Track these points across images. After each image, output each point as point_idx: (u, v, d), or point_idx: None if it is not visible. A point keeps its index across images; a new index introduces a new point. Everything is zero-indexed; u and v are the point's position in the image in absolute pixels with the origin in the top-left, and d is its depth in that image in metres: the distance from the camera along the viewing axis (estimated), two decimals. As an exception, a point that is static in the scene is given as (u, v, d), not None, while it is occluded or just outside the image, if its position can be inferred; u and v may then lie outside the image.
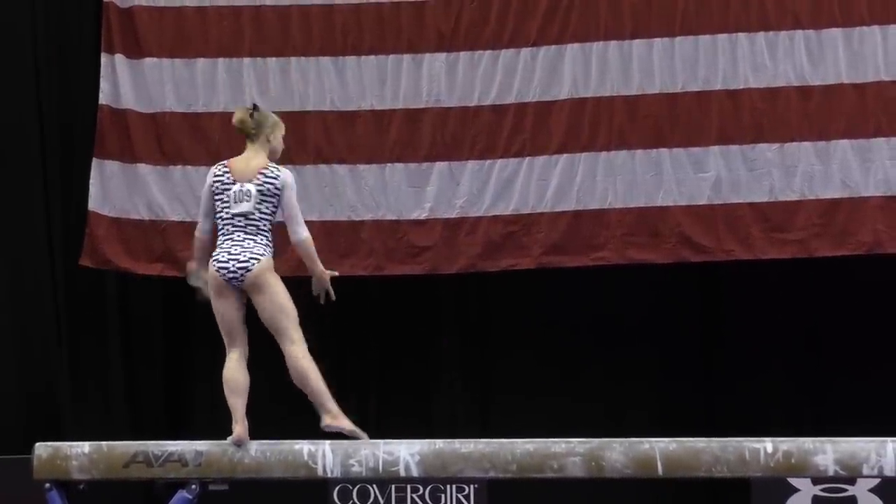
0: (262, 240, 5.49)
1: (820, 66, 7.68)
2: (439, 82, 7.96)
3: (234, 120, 5.64)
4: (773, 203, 7.68)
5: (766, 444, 4.72)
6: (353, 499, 7.74)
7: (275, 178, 5.50)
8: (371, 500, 7.73)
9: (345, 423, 5.41)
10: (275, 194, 5.49)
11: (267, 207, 5.49)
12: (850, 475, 4.76)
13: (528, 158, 7.88)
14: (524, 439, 5.09)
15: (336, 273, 5.67)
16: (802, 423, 7.80)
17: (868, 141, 7.63)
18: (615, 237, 7.76)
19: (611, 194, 7.80)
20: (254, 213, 5.47)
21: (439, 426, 8.13)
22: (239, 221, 5.47)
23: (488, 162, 7.92)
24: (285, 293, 5.50)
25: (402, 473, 5.14)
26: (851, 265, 7.71)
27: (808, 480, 7.30)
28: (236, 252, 5.44)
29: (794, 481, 7.36)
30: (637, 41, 7.82)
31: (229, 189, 5.48)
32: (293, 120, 8.00)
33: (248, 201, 5.45)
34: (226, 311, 5.46)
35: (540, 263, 7.83)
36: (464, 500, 7.70)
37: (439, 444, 5.16)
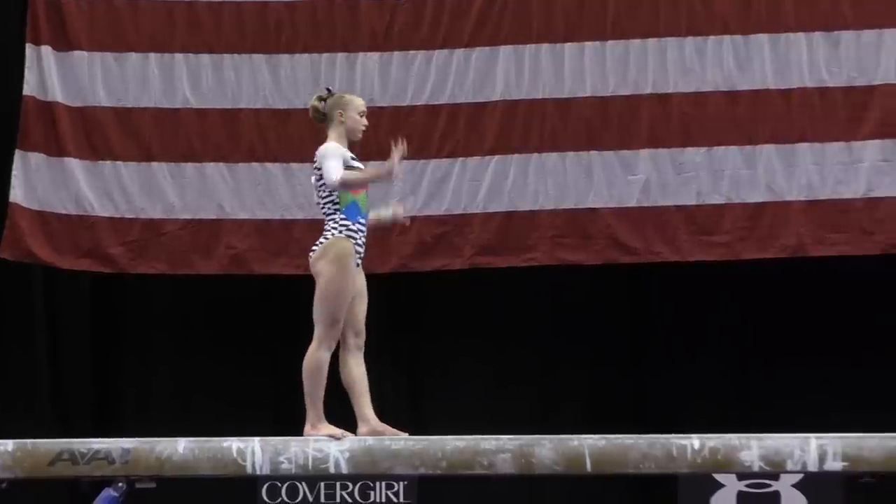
0: (329, 226, 5.44)
1: (747, 71, 7.83)
2: (372, 82, 7.99)
3: (309, 109, 5.59)
4: (700, 206, 7.81)
5: (693, 441, 4.80)
6: (281, 496, 7.73)
7: (315, 162, 5.46)
8: (300, 497, 7.73)
9: (324, 431, 5.32)
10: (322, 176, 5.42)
11: (323, 192, 5.44)
12: (775, 471, 4.86)
13: (460, 159, 7.94)
14: (454, 436, 5.12)
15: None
16: (729, 419, 7.92)
17: (792, 146, 7.79)
18: (546, 238, 7.85)
19: (542, 196, 7.88)
20: (317, 203, 5.48)
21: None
22: (320, 209, 5.49)
23: (421, 162, 7.95)
24: (328, 289, 5.35)
25: (332, 471, 5.15)
26: (777, 265, 7.85)
27: (734, 476, 7.43)
28: (317, 242, 5.45)
29: (719, 477, 7.49)
30: (569, 44, 7.91)
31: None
32: (226, 118, 8.03)
33: (315, 191, 5.48)
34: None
35: (472, 264, 7.89)
36: (393, 498, 7.73)
37: (369, 441, 5.19)
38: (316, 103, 5.57)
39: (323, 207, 5.46)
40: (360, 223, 5.48)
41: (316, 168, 5.49)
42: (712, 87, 7.84)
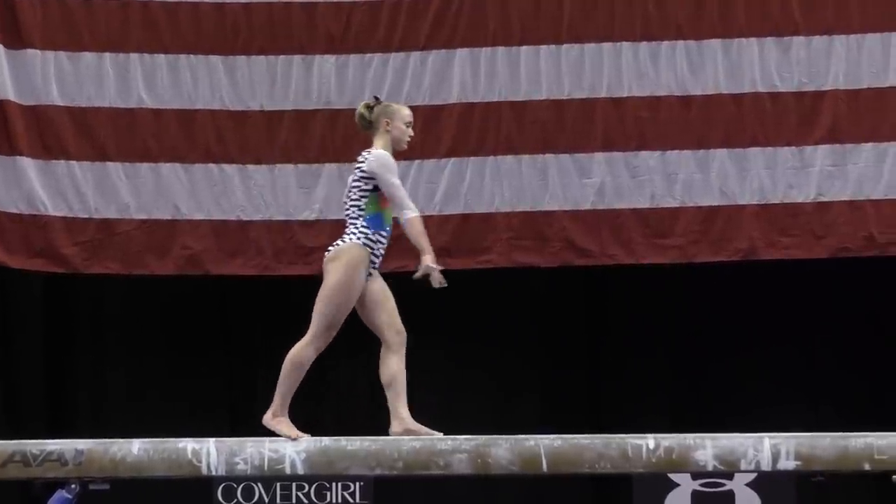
0: (350, 230, 5.39)
1: (700, 75, 7.91)
2: (329, 84, 7.99)
3: (355, 115, 5.55)
4: (654, 209, 7.88)
5: (648, 441, 4.84)
6: (237, 497, 7.72)
7: (362, 163, 5.38)
8: (256, 498, 7.72)
9: (279, 427, 5.30)
10: (362, 178, 5.35)
11: (354, 194, 5.37)
12: (729, 470, 4.91)
13: (417, 162, 7.96)
14: (411, 437, 5.13)
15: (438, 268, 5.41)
16: (684, 418, 8.00)
17: (744, 150, 7.88)
18: (502, 240, 7.89)
19: (498, 198, 7.92)
20: (345, 202, 5.43)
21: (327, 424, 8.13)
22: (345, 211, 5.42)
23: (377, 164, 7.96)
24: (333, 291, 5.33)
25: (288, 471, 5.14)
26: (730, 266, 7.94)
27: (688, 476, 7.50)
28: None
29: (674, 476, 7.56)
30: (524, 47, 7.96)
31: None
32: (182, 118, 8.00)
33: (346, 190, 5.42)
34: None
35: (428, 265, 7.91)
36: (349, 498, 7.74)
37: (325, 441, 5.18)
38: (363, 111, 5.52)
39: (348, 209, 5.42)
40: (381, 235, 5.43)
41: (361, 171, 5.39)
42: (666, 92, 7.91)
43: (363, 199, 5.38)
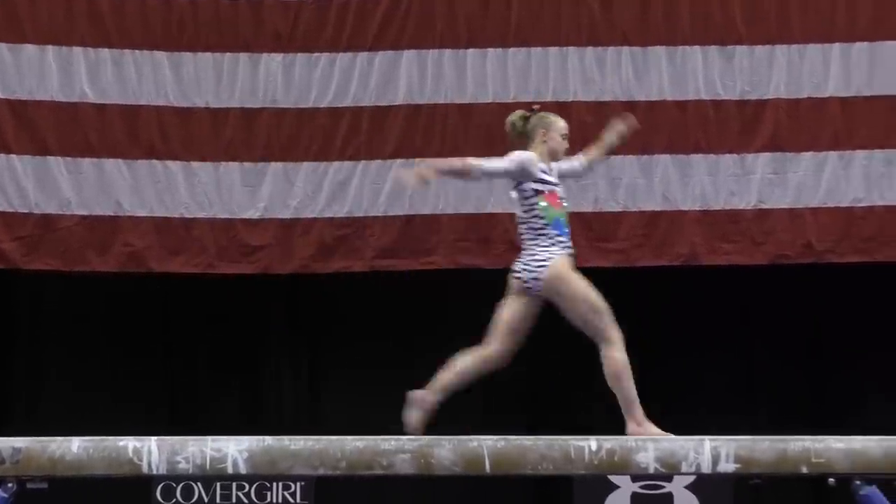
0: (543, 242, 5.29)
1: (644, 82, 7.98)
2: (276, 83, 7.97)
3: (506, 123, 5.46)
4: (597, 213, 7.94)
5: (591, 442, 4.86)
6: (176, 497, 7.67)
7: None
8: (195, 497, 7.67)
9: (651, 430, 5.24)
10: (516, 189, 5.30)
11: (523, 212, 5.31)
12: (670, 472, 4.95)
13: (362, 162, 7.96)
14: (354, 436, 5.12)
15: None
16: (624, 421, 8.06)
17: (687, 156, 7.96)
18: (446, 242, 7.91)
19: (442, 200, 7.95)
20: (522, 217, 5.32)
21: (269, 423, 8.12)
22: (521, 227, 5.32)
23: (323, 164, 7.96)
24: (587, 292, 5.26)
25: (230, 471, 5.08)
26: (672, 269, 8.01)
27: (628, 478, 7.57)
28: (526, 260, 5.29)
29: (614, 478, 7.62)
30: (471, 50, 7.99)
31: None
32: (126, 114, 7.94)
33: (517, 206, 5.32)
34: (503, 310, 5.36)
35: (372, 266, 7.93)
36: (290, 498, 7.71)
37: (268, 440, 5.14)
38: (517, 120, 5.45)
39: (529, 222, 5.30)
40: (566, 234, 5.37)
41: (516, 183, 5.31)
42: (611, 97, 7.97)
43: (534, 210, 5.31)
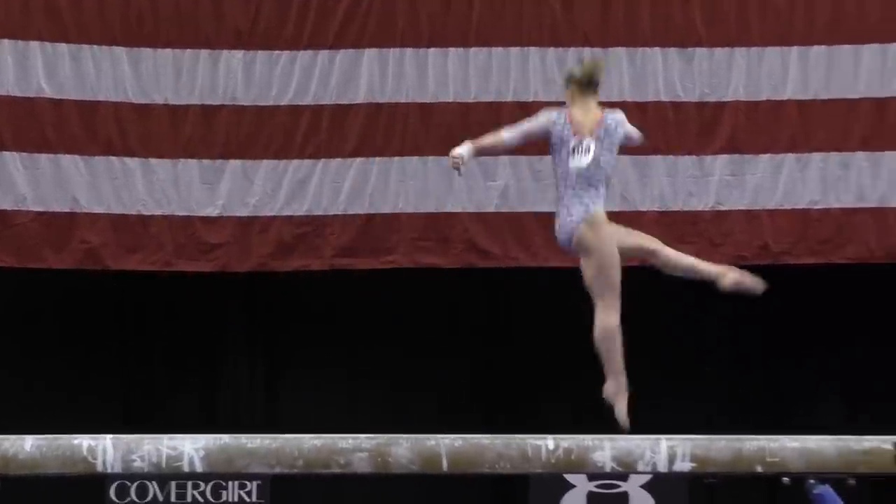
0: (596, 193, 5.28)
1: (605, 83, 7.95)
2: (236, 80, 7.94)
3: (588, 70, 5.43)
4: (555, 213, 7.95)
5: (548, 441, 4.88)
6: (131, 496, 7.62)
7: (616, 123, 5.35)
8: (150, 496, 7.62)
9: (621, 407, 5.27)
10: (616, 142, 5.32)
11: (606, 159, 5.30)
12: (626, 471, 4.97)
13: (322, 160, 7.94)
14: (311, 435, 5.11)
15: None
16: (583, 419, 8.09)
17: (646, 158, 7.99)
18: (405, 241, 7.91)
19: (402, 199, 7.94)
20: (591, 168, 5.27)
21: (225, 422, 8.08)
22: (579, 179, 5.27)
23: (283, 162, 7.93)
24: (610, 255, 5.31)
25: (186, 469, 5.06)
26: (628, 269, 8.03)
27: (584, 477, 7.60)
28: (574, 210, 5.29)
29: (570, 477, 7.65)
30: (433, 49, 7.99)
31: (568, 144, 5.28)
32: (84, 109, 7.87)
33: (588, 153, 5.26)
34: (585, 268, 5.36)
35: (331, 265, 7.91)
36: (245, 497, 7.68)
37: (225, 439, 5.12)
38: (602, 65, 5.54)
39: (596, 174, 5.28)
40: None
41: (612, 131, 5.33)
42: (571, 97, 7.98)
43: (613, 165, 5.35)
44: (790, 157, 7.98)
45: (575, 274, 8.02)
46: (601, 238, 5.34)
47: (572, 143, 5.30)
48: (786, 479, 4.94)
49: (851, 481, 4.96)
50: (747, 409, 8.20)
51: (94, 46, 7.88)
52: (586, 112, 5.37)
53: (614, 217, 7.86)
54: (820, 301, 8.38)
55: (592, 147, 5.30)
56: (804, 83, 8.01)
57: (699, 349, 8.51)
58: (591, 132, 5.33)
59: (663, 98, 8.00)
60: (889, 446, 4.94)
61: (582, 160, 5.29)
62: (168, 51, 7.91)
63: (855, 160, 7.95)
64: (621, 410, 5.28)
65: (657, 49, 8.00)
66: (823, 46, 8.03)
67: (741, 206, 7.96)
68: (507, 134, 5.37)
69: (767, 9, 8.05)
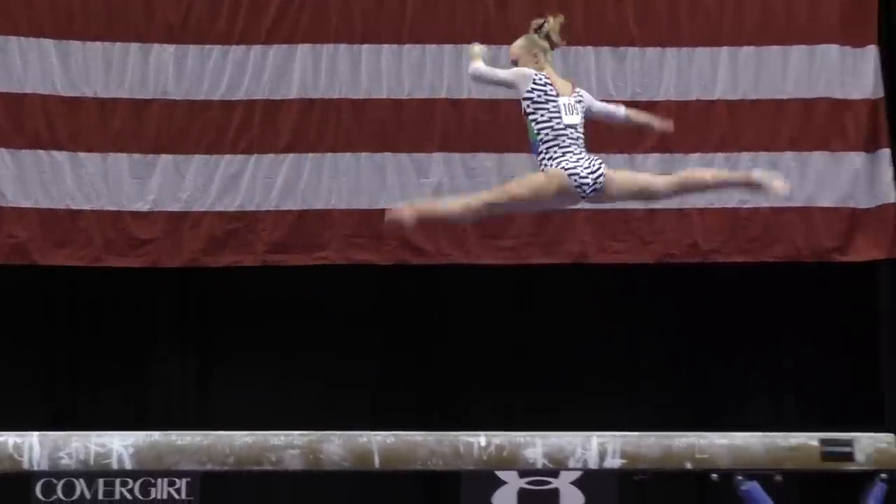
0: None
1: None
2: (167, 74, 7.87)
3: (557, 27, 5.66)
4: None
5: (480, 438, 4.91)
6: (57, 494, 7.51)
7: (586, 97, 5.62)
8: (77, 494, 7.53)
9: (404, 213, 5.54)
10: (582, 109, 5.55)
11: (583, 122, 5.55)
12: (557, 468, 5.02)
13: (255, 156, 7.90)
14: (243, 432, 5.10)
15: None
16: (515, 416, 8.13)
17: (577, 156, 8.03)
18: (338, 237, 7.89)
19: (335, 195, 7.92)
20: (580, 126, 5.51)
21: (157, 419, 8.00)
22: (572, 133, 5.48)
23: (214, 157, 7.88)
24: (538, 184, 5.49)
25: (115, 466, 5.02)
26: (564, 268, 8.10)
27: (515, 474, 7.64)
28: (590, 166, 5.47)
29: (501, 474, 7.68)
30: (366, 46, 7.98)
31: (555, 101, 5.48)
32: (11, 101, 7.76)
33: (577, 114, 5.51)
34: (540, 202, 5.56)
35: (263, 261, 7.86)
36: (175, 495, 7.62)
37: (155, 435, 5.10)
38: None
39: (583, 133, 5.55)
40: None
41: (582, 98, 5.62)
42: (504, 95, 8.00)
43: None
44: (719, 156, 8.07)
45: (507, 271, 8.12)
46: (618, 183, 5.57)
47: (561, 101, 5.52)
48: (714, 476, 5.00)
49: (778, 477, 5.04)
50: (677, 407, 8.28)
51: (21, 38, 7.76)
52: (556, 76, 5.65)
53: (548, 216, 8.00)
54: (748, 300, 8.49)
55: (578, 109, 5.58)
56: (733, 83, 8.11)
57: (630, 347, 8.58)
58: (570, 95, 5.59)
59: (596, 97, 8.03)
60: (815, 443, 5.03)
61: (573, 118, 5.55)
62: (98, 44, 7.82)
63: (783, 160, 8.06)
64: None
65: (590, 48, 8.06)
66: (752, 47, 8.13)
67: (672, 205, 8.02)
68: (484, 67, 5.69)
69: (698, 9, 8.13)
